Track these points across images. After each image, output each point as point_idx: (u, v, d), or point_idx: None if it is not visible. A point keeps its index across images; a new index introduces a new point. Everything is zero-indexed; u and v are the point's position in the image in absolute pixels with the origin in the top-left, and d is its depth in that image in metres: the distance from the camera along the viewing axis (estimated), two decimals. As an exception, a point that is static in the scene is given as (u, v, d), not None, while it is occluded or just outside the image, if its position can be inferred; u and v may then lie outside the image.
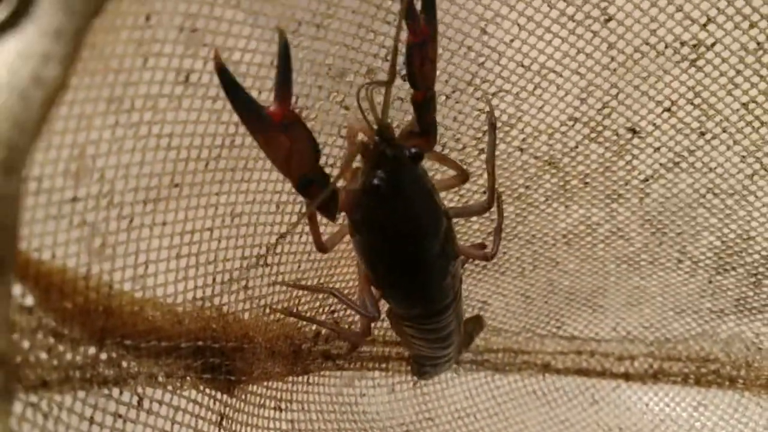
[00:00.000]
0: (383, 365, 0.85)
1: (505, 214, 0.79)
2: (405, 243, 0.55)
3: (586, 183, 0.76)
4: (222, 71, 0.42)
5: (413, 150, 0.51)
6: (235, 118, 0.51)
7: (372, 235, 0.55)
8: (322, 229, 0.56)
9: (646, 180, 0.75)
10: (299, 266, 0.68)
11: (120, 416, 0.52)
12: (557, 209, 0.79)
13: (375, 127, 0.50)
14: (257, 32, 0.52)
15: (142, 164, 0.50)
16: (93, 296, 0.49)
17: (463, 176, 0.60)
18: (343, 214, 0.55)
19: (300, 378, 0.75)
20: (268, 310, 0.66)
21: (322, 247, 0.56)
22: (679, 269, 0.85)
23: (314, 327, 0.75)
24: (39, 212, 0.44)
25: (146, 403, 0.54)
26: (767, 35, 0.62)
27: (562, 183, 0.76)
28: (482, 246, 0.68)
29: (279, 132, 0.45)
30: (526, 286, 0.90)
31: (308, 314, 0.73)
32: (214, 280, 0.59)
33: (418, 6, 0.49)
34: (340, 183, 0.52)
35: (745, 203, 0.75)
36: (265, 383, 0.69)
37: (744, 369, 0.89)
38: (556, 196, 0.78)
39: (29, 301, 0.45)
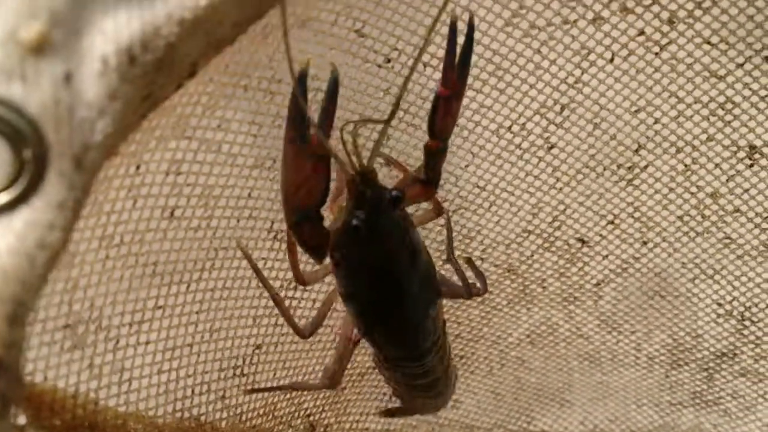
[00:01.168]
0: (358, 465, 0.88)
1: (470, 318, 0.85)
2: (383, 282, 0.54)
3: (544, 287, 0.82)
4: (301, 76, 0.42)
5: (394, 193, 0.51)
6: (216, 243, 0.57)
7: (351, 272, 0.54)
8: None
9: (599, 284, 0.81)
10: (274, 374, 0.73)
11: None
12: (519, 311, 0.85)
13: (357, 168, 0.49)
14: (235, 170, 0.59)
15: (129, 291, 0.55)
16: (80, 413, 0.54)
17: (439, 210, 0.60)
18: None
19: (277, 482, 0.78)
20: (243, 417, 0.70)
21: (300, 280, 0.57)
22: (637, 365, 0.90)
23: (291, 430, 0.78)
24: (34, 340, 0.49)
25: None
26: (693, 159, 0.69)
27: (521, 287, 0.82)
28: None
29: (307, 156, 0.45)
30: (495, 383, 0.94)
31: (284, 419, 0.77)
32: (192, 391, 0.64)
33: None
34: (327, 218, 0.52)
35: (690, 304, 0.80)
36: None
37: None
38: (518, 300, 0.84)
39: (21, 420, 0.49)
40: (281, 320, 0.70)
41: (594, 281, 0.81)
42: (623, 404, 0.96)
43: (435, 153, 0.52)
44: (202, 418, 0.65)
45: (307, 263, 0.56)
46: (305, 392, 0.77)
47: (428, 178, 0.53)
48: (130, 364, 0.57)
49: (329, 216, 0.54)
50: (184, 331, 0.61)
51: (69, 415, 0.53)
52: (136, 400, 0.58)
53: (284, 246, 0.66)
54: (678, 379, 0.89)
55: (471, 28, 0.48)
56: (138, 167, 0.50)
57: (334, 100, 0.44)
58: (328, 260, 0.53)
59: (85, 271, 0.51)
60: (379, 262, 0.53)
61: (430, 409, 0.76)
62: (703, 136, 0.66)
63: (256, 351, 0.70)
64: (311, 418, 0.81)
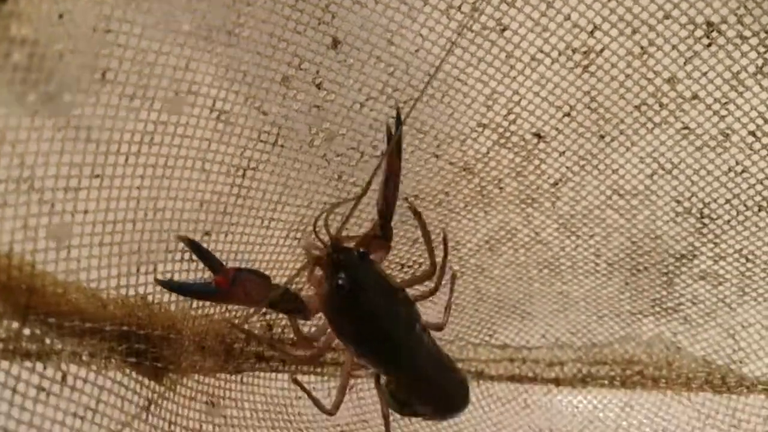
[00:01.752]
0: (319, 369, 0.88)
1: (428, 222, 0.84)
2: (375, 320, 0.68)
3: (501, 188, 0.82)
4: (169, 284, 0.62)
5: (361, 251, 0.66)
6: (153, 116, 0.56)
7: (346, 321, 0.68)
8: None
9: (556, 183, 0.81)
10: (225, 264, 0.72)
11: (43, 389, 0.54)
12: (477, 215, 0.84)
13: (329, 243, 0.65)
14: (170, 37, 0.57)
15: (62, 153, 0.54)
16: (15, 274, 0.53)
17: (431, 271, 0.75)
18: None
19: (233, 376, 0.78)
20: (194, 304, 0.69)
21: (309, 342, 0.74)
22: (597, 272, 0.89)
23: (245, 327, 0.78)
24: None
25: (70, 380, 0.57)
26: (649, 40, 0.68)
27: (478, 188, 0.82)
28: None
29: (231, 289, 0.60)
30: (455, 294, 0.93)
31: (239, 313, 0.76)
32: (137, 269, 0.63)
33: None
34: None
35: (649, 202, 0.80)
36: (196, 377, 0.72)
37: (665, 369, 0.93)
38: (475, 202, 0.83)
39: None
40: (230, 208, 0.70)
41: (551, 180, 0.81)
42: (584, 315, 0.96)
43: (387, 216, 0.68)
44: (149, 297, 0.65)
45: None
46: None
47: (384, 235, 0.69)
48: (68, 232, 0.56)
49: (309, 289, 0.71)
50: (125, 206, 0.61)
51: (3, 275, 0.52)
52: (76, 269, 0.58)
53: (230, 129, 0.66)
54: (638, 286, 0.89)
55: (399, 120, 0.66)
56: (61, 16, 0.49)
57: (200, 251, 0.62)
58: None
59: (11, 123, 0.50)
60: (367, 304, 0.67)
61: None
62: (660, 14, 0.65)
63: (205, 237, 0.69)
64: (267, 317, 0.80)
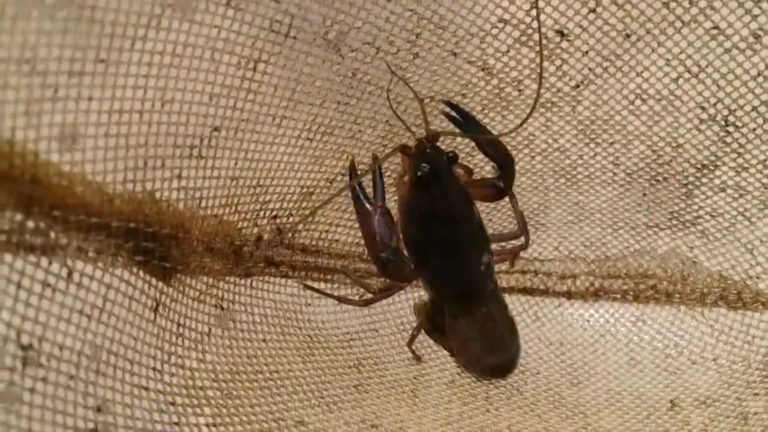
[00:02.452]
0: (329, 277, 0.87)
1: (443, 127, 0.81)
2: (444, 225, 0.69)
3: (520, 90, 0.79)
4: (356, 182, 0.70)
5: (449, 153, 0.69)
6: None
7: (417, 218, 0.70)
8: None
9: (577, 86, 0.78)
10: (236, 163, 0.70)
11: (48, 285, 0.53)
12: (494, 119, 0.82)
13: (423, 134, 0.68)
14: None
15: (65, 33, 0.51)
16: (18, 162, 0.51)
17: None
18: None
19: (242, 281, 0.77)
20: (203, 203, 0.68)
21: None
22: (614, 182, 0.87)
23: (255, 230, 0.77)
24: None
25: (76, 277, 0.55)
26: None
27: (497, 90, 0.79)
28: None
29: (374, 216, 0.69)
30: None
31: (249, 215, 0.75)
32: (145, 164, 0.61)
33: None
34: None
35: (672, 108, 0.77)
36: (204, 279, 0.71)
37: (680, 284, 0.92)
38: (493, 105, 0.80)
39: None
40: (240, 104, 0.67)
41: (573, 83, 0.77)
42: (599, 228, 0.94)
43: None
44: (157, 194, 0.63)
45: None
46: (269, 191, 0.75)
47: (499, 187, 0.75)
48: (73, 119, 0.54)
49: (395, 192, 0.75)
50: (131, 95, 0.58)
51: (5, 163, 0.50)
52: (81, 161, 0.56)
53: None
54: (656, 197, 0.87)
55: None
56: None
57: (381, 180, 0.71)
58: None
59: (11, -5, 0.47)
60: (440, 207, 0.68)
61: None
62: None
63: (214, 133, 0.67)
64: (278, 220, 0.79)
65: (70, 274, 0.55)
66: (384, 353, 0.88)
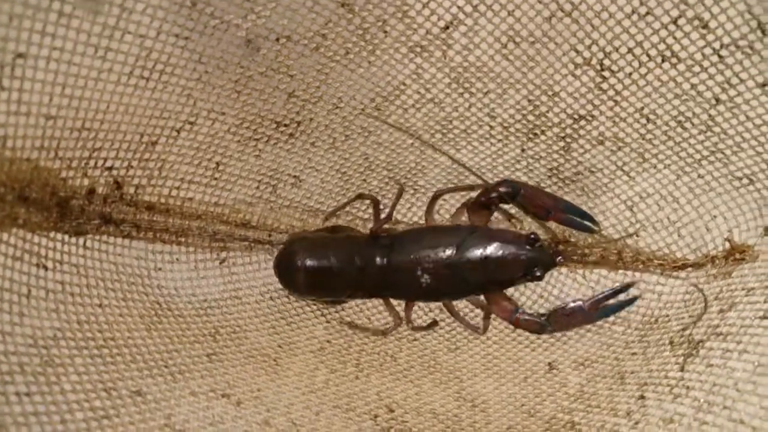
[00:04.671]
0: (183, 239, 0.79)
1: (304, 70, 0.75)
2: None
3: (386, 32, 0.72)
4: None
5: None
6: None
7: None
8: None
9: (447, 28, 0.72)
10: (50, 99, 0.61)
11: None
12: (360, 65, 0.75)
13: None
14: None
15: None
16: None
17: None
18: None
19: (73, 239, 0.68)
20: (9, 143, 0.58)
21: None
22: (492, 137, 0.82)
23: (85, 182, 0.68)
24: None
25: None
26: None
27: (360, 31, 0.72)
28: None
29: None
30: (340, 160, 0.85)
31: (76, 164, 0.66)
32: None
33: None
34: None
35: (547, 52, 0.73)
36: (20, 233, 0.62)
37: (561, 245, 0.89)
38: (357, 49, 0.74)
39: None
40: (50, 28, 0.58)
41: (442, 23, 0.72)
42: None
43: None
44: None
45: None
46: (99, 137, 0.66)
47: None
48: None
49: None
50: None
51: None
52: None
53: None
54: (535, 153, 0.83)
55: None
56: None
57: None
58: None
59: None
60: None
61: None
62: None
63: (18, 60, 0.57)
64: (114, 172, 0.70)
65: None
66: (246, 321, 0.80)
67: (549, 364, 0.79)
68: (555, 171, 0.84)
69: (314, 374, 0.76)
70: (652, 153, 0.78)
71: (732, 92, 0.68)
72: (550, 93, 0.76)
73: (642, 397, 0.67)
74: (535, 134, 0.81)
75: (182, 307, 0.76)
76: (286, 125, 0.79)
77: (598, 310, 0.80)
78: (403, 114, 0.81)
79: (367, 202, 0.89)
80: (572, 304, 0.80)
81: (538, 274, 0.79)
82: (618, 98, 0.74)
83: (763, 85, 0.66)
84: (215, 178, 0.80)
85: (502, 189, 0.81)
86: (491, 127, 0.81)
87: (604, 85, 0.74)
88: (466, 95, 0.78)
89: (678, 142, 0.75)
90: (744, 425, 0.57)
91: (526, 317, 0.81)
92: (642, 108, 0.74)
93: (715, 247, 0.76)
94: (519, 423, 0.71)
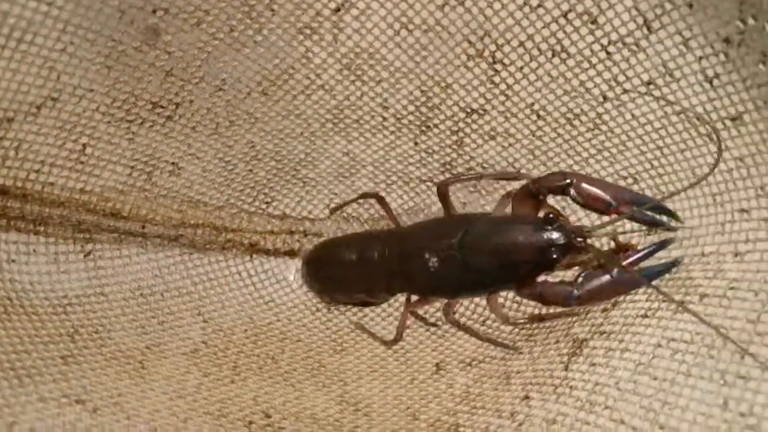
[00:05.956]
0: (42, 228, 0.72)
1: (182, 47, 0.69)
2: None
3: (273, 10, 0.68)
4: None
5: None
6: None
7: None
8: None
9: (338, 10, 0.69)
10: None
11: None
12: (246, 44, 0.71)
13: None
14: None
15: None
16: None
17: None
18: None
19: None
20: None
21: None
22: (385, 128, 0.80)
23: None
24: None
25: None
26: None
27: (246, 8, 0.68)
28: None
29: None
30: (224, 147, 0.80)
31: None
32: None
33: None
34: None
35: (440, 41, 0.70)
36: None
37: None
38: (243, 27, 0.70)
39: None
40: None
41: (332, 5, 0.68)
42: (372, 183, 0.86)
43: None
44: None
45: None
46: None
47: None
48: None
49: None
50: None
51: None
52: None
53: None
54: (428, 146, 0.81)
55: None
56: None
57: None
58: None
59: None
60: None
61: None
62: None
63: None
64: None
65: None
66: (111, 320, 0.74)
67: (437, 364, 0.76)
68: (448, 166, 0.82)
69: (185, 378, 0.70)
70: (541, 150, 0.77)
71: (618, 90, 0.68)
72: (443, 84, 0.74)
73: (527, 397, 0.66)
74: (428, 127, 0.79)
75: (37, 303, 0.69)
76: (163, 107, 0.73)
77: (638, 273, 0.67)
78: (292, 100, 0.77)
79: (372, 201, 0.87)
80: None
81: (555, 256, 0.67)
82: (509, 92, 0.73)
83: (648, 83, 0.66)
84: (81, 162, 0.72)
85: (552, 178, 0.70)
86: (384, 118, 0.79)
87: (496, 79, 0.72)
88: (358, 83, 0.75)
89: (567, 140, 0.75)
90: (624, 425, 0.56)
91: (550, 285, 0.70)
92: (533, 103, 0.73)
93: (600, 246, 0.76)
94: (403, 427, 0.68)
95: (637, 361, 0.60)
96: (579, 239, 0.68)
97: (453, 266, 0.72)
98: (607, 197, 0.68)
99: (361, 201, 0.87)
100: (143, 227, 0.80)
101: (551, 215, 0.69)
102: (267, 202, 0.87)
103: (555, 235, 0.68)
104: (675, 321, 0.60)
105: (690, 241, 0.69)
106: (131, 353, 0.70)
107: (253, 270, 0.87)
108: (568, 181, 0.69)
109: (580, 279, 0.68)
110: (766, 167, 0.60)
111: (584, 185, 0.69)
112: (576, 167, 0.76)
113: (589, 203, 0.69)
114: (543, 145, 0.77)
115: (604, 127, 0.72)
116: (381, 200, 0.84)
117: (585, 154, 0.75)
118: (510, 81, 0.72)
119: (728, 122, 0.62)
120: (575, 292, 0.67)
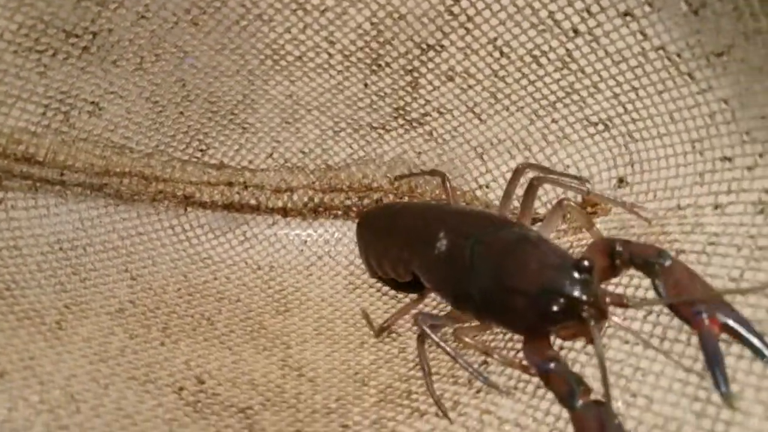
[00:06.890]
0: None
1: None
2: None
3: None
4: None
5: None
6: None
7: None
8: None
9: (275, -76, 0.60)
10: None
11: None
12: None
13: None
14: None
15: None
16: None
17: None
18: None
19: None
20: None
21: None
22: (331, 67, 0.72)
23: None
24: None
25: None
26: None
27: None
28: None
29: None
30: (150, 86, 0.71)
31: None
32: None
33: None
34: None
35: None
36: None
37: (407, 197, 0.80)
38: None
39: None
40: None
41: None
42: (318, 130, 0.79)
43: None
44: None
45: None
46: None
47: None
48: None
49: None
50: None
51: None
52: None
53: None
54: (379, 88, 0.73)
55: None
56: None
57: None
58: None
59: None
60: None
61: None
62: None
63: None
64: None
65: None
66: (25, 276, 0.65)
67: (389, 327, 0.70)
68: (401, 111, 0.75)
69: (108, 340, 0.62)
70: (504, 93, 0.71)
71: (592, 22, 0.62)
72: (395, 15, 0.66)
73: (485, 362, 0.60)
74: (380, 66, 0.71)
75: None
76: (77, 36, 0.64)
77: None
78: (226, 32, 0.68)
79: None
80: None
81: (555, 308, 0.48)
82: (470, 25, 0.66)
83: (625, 14, 0.60)
84: (-17, 98, 0.63)
85: (646, 254, 0.51)
86: (330, 55, 0.71)
87: (455, 9, 0.65)
88: (300, 12, 0.67)
89: (532, 81, 0.68)
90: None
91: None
92: (495, 38, 0.66)
93: (566, 199, 0.70)
94: (350, 393, 0.62)
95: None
96: (601, 308, 0.48)
97: (457, 258, 0.58)
98: (697, 302, 0.48)
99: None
100: (62, 174, 0.71)
101: (587, 262, 0.48)
102: (202, 150, 0.78)
103: (575, 283, 0.48)
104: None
105: (665, 192, 0.63)
106: (47, 312, 0.62)
107: (188, 224, 0.79)
108: (657, 264, 0.50)
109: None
110: (755, 109, 0.54)
111: (677, 278, 0.50)
112: (542, 112, 0.70)
113: (672, 297, 0.50)
114: (506, 87, 0.70)
115: (574, 66, 0.65)
116: (444, 180, 0.72)
117: (552, 98, 0.69)
118: (471, 12, 0.65)
119: (713, 58, 0.56)
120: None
